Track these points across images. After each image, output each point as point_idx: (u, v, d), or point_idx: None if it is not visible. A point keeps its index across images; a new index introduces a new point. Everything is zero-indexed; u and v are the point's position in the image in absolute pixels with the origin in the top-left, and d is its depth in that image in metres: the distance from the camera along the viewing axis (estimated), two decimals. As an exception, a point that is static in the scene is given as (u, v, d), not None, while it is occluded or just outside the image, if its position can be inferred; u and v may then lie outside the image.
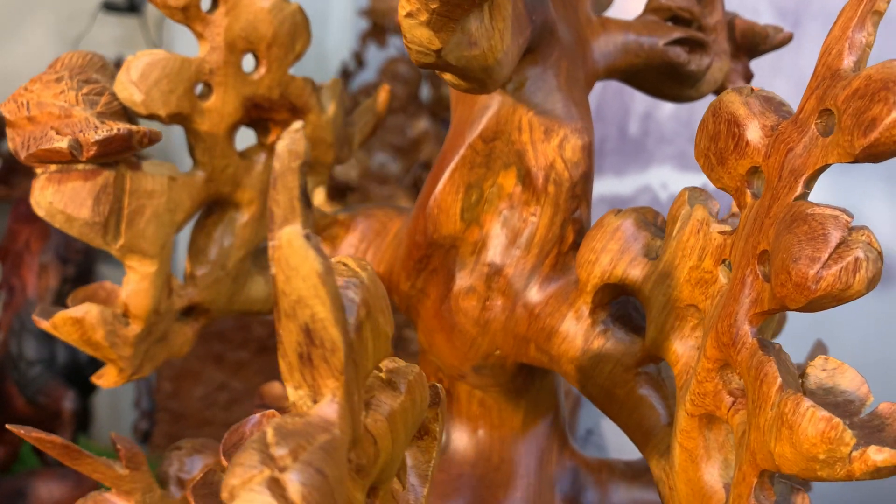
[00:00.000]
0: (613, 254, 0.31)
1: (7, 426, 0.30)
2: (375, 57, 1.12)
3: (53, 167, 0.30)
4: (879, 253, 0.22)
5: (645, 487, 0.42)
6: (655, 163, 0.88)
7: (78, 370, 0.74)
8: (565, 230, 0.34)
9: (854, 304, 0.23)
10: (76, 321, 0.31)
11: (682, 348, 0.29)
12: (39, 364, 0.72)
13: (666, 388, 0.32)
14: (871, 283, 0.21)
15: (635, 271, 0.30)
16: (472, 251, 0.34)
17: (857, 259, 0.22)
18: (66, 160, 0.29)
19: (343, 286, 0.18)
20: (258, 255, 0.37)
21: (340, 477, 0.16)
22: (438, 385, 0.24)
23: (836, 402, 0.25)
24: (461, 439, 0.41)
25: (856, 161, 0.22)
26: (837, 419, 0.21)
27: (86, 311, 0.31)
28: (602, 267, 0.31)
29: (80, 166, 0.30)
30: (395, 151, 0.99)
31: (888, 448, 0.21)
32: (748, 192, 0.27)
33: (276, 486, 0.14)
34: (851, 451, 0.21)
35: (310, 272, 0.16)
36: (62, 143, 0.29)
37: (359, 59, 1.13)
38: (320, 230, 0.38)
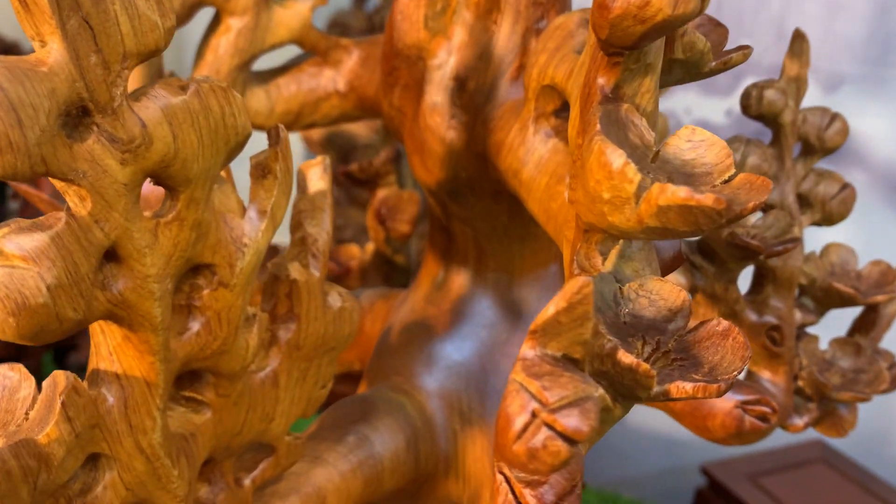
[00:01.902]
0: (550, 52, 0.29)
1: (11, 183, 0.35)
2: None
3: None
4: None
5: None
6: (679, 88, 0.82)
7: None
8: (527, 40, 0.32)
9: None
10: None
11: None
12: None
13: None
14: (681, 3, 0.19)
15: (563, 67, 0.29)
16: (438, 65, 0.34)
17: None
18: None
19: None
20: (263, 74, 0.39)
21: (24, 98, 0.17)
22: (280, 126, 0.25)
23: (691, 173, 0.22)
24: (459, 278, 0.40)
25: None
26: (622, 152, 0.19)
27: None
28: (539, 67, 0.30)
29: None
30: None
31: (678, 186, 0.18)
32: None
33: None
34: (638, 190, 0.19)
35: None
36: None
37: None
38: (322, 52, 0.39)
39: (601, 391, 0.18)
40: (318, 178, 0.29)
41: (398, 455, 0.36)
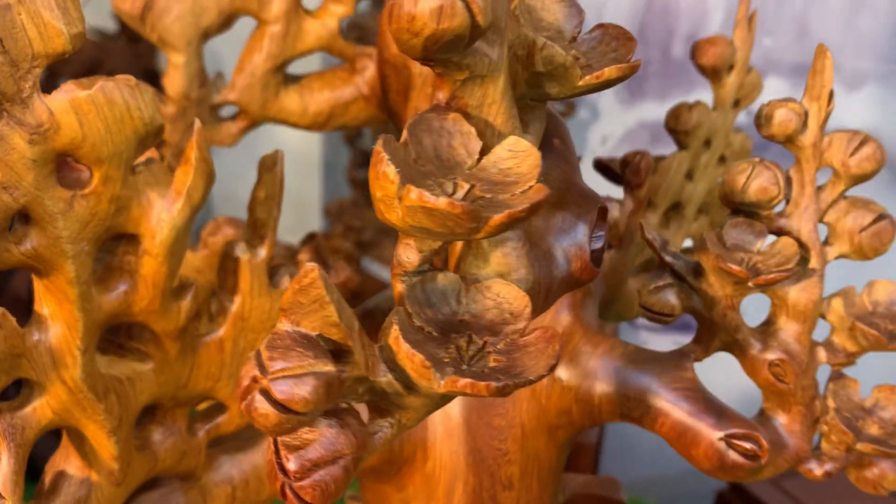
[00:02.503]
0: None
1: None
2: None
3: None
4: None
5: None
6: (700, 85, 0.76)
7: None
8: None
9: None
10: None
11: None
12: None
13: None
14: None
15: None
16: (419, 73, 0.36)
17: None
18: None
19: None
20: (298, 78, 0.43)
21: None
22: (196, 119, 0.28)
23: (501, 182, 0.23)
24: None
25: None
26: (386, 156, 0.20)
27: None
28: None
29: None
30: None
31: (419, 189, 0.20)
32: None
33: None
34: (398, 191, 0.20)
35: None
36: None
37: None
38: (350, 59, 0.43)
39: (332, 368, 0.20)
40: (272, 169, 0.33)
41: (368, 434, 0.39)
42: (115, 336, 0.32)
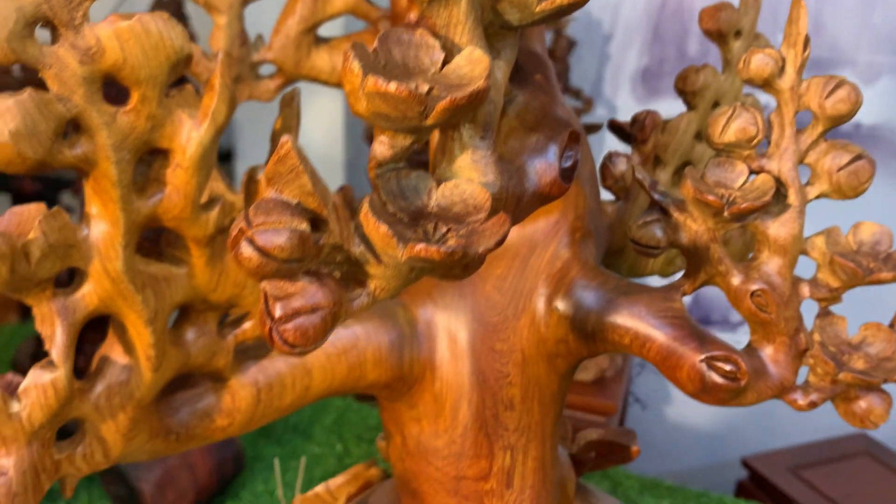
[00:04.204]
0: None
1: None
2: None
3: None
4: None
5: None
6: None
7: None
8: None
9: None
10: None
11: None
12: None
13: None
14: None
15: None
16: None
17: None
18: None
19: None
20: (328, 39, 0.48)
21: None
22: (221, 52, 0.33)
23: (457, 84, 0.27)
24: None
25: None
26: (353, 54, 0.25)
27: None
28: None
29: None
30: None
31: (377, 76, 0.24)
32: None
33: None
34: (361, 83, 0.25)
35: None
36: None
37: None
38: (373, 22, 0.48)
39: (306, 227, 0.25)
40: (290, 104, 0.37)
41: (380, 351, 0.43)
42: (156, 244, 0.37)
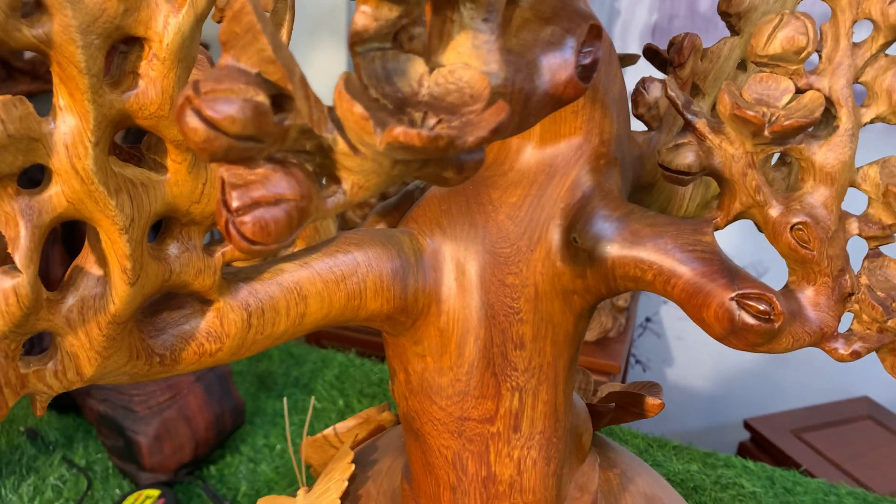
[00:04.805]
0: None
1: None
2: None
3: None
4: None
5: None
6: None
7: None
8: None
9: None
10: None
11: None
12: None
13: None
14: None
15: None
16: None
17: None
18: None
19: None
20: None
21: None
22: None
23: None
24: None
25: None
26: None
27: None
28: None
29: None
30: None
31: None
32: None
33: None
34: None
35: None
36: None
37: None
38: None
39: (263, 99, 0.21)
40: (283, 5, 0.34)
41: (382, 280, 0.40)
42: (136, 149, 0.34)
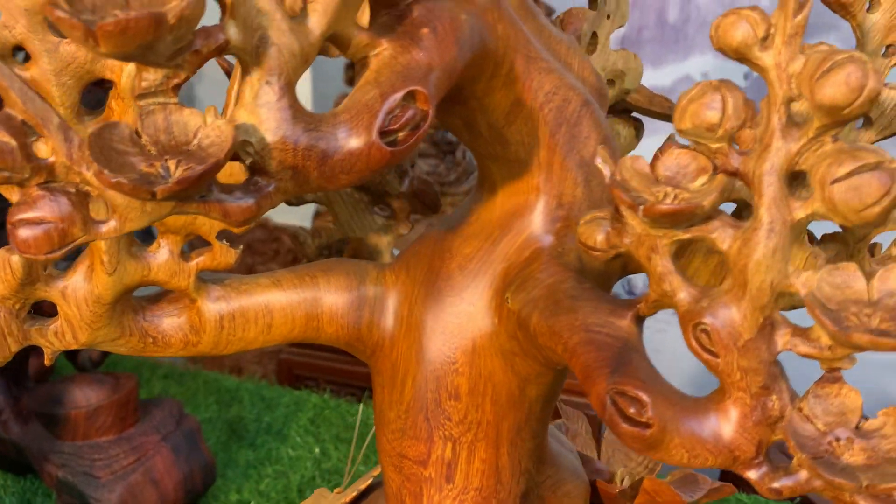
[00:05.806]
0: None
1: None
2: None
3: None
4: None
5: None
6: (696, 51, 0.92)
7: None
8: None
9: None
10: None
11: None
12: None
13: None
14: None
15: None
16: None
17: None
18: None
19: None
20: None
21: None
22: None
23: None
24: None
25: None
26: None
27: None
28: None
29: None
30: None
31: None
32: None
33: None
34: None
35: None
36: None
37: None
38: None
39: (9, 139, 0.27)
40: None
41: (336, 309, 0.43)
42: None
